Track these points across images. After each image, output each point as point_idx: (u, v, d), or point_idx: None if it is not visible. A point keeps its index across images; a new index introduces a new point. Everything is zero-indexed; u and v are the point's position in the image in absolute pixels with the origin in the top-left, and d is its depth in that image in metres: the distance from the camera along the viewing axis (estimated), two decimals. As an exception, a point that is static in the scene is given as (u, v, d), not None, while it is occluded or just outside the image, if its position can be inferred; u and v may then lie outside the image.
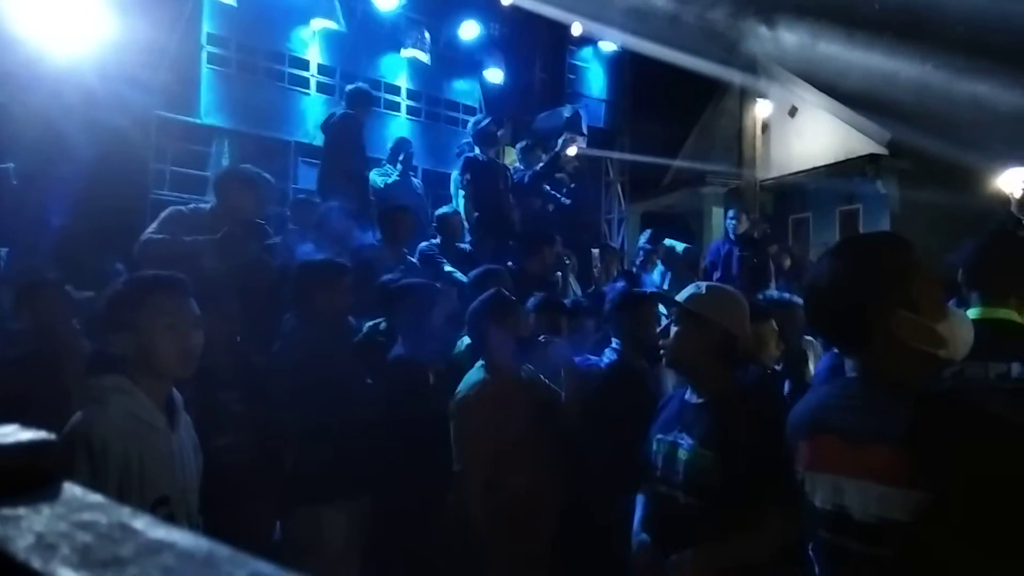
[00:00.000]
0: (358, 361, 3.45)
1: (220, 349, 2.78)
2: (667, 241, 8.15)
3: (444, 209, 6.15)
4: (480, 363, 3.18)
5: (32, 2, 6.36)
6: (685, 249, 8.23)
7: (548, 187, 7.18)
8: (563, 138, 7.24)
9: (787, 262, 9.74)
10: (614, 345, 3.61)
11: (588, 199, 11.61)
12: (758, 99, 14.17)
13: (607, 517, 2.80)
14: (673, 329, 2.38)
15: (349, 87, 6.76)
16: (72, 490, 0.43)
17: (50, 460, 0.46)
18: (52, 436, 0.47)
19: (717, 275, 7.82)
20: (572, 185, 7.46)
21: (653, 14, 10.13)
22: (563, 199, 7.22)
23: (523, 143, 7.85)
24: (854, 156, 12.49)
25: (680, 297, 2.40)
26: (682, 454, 2.26)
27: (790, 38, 11.37)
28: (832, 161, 12.94)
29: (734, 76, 13.58)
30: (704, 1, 9.77)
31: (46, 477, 0.44)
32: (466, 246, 6.10)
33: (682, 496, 2.23)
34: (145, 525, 0.36)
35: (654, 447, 2.41)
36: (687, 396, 2.41)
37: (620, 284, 5.49)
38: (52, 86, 6.48)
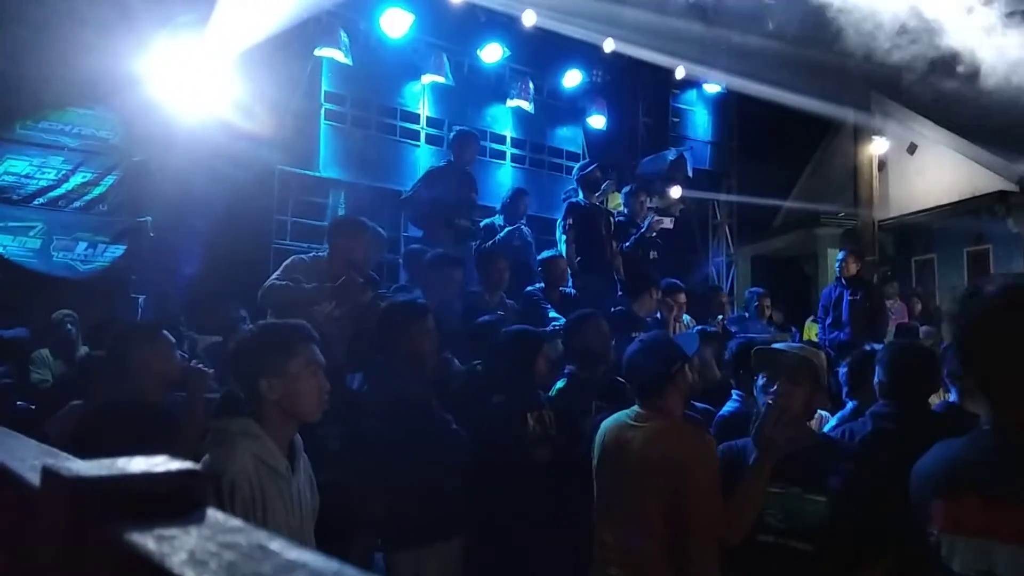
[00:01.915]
0: (445, 403, 3.41)
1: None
2: None
3: (548, 253, 6.21)
4: (632, 410, 2.80)
5: (167, 68, 6.95)
6: None
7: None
8: (649, 219, 7.13)
9: (917, 307, 9.25)
10: (735, 397, 3.54)
11: (693, 243, 11.46)
12: (873, 137, 13.66)
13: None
14: (787, 384, 2.41)
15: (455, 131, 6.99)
16: (215, 515, 0.47)
17: (196, 488, 0.51)
18: (198, 466, 0.52)
19: (828, 320, 7.52)
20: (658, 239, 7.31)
21: (758, 54, 10.02)
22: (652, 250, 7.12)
23: (627, 188, 7.85)
24: (981, 194, 11.79)
25: (795, 350, 2.44)
26: (788, 502, 2.25)
27: (905, 73, 10.95)
28: (957, 199, 12.26)
29: (847, 114, 13.18)
30: (812, 38, 9.58)
31: (193, 503, 0.50)
32: (570, 290, 6.13)
33: (795, 543, 2.23)
34: (280, 547, 0.40)
35: None
36: None
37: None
38: (185, 144, 7.04)
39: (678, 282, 6.31)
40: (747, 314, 7.48)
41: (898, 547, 1.99)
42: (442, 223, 6.26)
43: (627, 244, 7.01)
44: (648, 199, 7.63)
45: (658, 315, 5.80)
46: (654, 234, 7.10)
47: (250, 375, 2.16)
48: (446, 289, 4.81)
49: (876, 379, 3.06)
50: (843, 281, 7.53)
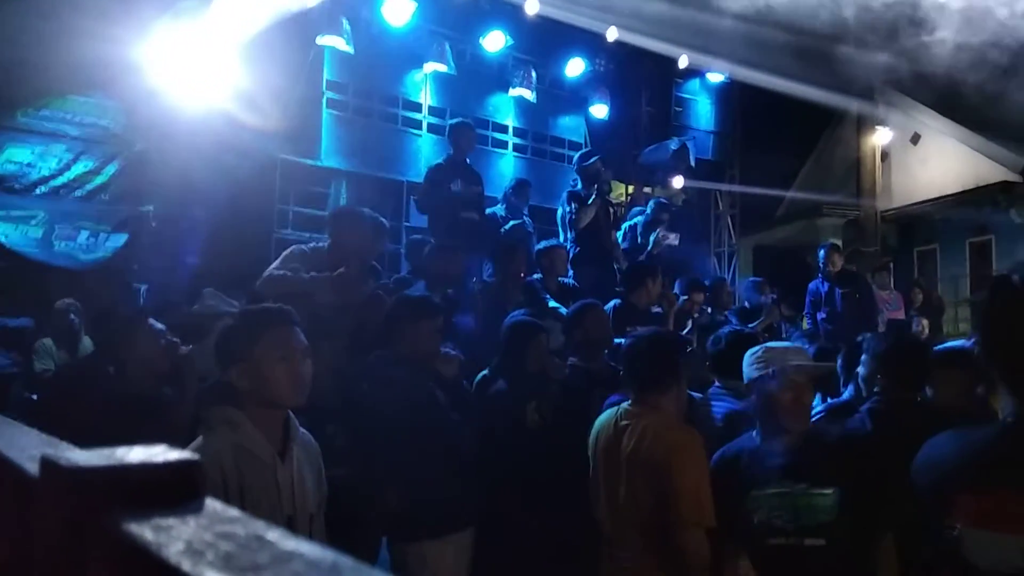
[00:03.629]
0: (445, 397, 3.38)
1: (328, 383, 2.86)
2: None
3: (547, 243, 6.18)
4: (623, 407, 2.76)
5: (168, 55, 6.92)
6: None
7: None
8: (655, 235, 7.05)
9: (918, 297, 9.20)
10: (717, 385, 3.49)
11: (695, 234, 11.44)
12: (877, 127, 13.62)
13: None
14: (799, 389, 2.46)
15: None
16: (213, 505, 0.48)
17: (193, 478, 0.51)
18: (196, 456, 0.52)
19: (821, 315, 7.50)
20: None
21: (762, 43, 9.96)
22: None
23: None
24: (984, 184, 11.78)
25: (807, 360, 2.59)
26: (796, 500, 2.26)
27: (910, 62, 10.89)
28: (960, 190, 12.25)
29: (850, 104, 13.12)
30: (815, 27, 9.52)
31: (190, 493, 0.50)
32: (569, 280, 6.11)
33: (807, 540, 2.25)
34: (277, 537, 0.40)
35: (750, 505, 2.38)
36: (761, 446, 2.46)
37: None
38: (186, 133, 7.02)
39: (702, 280, 6.28)
40: (748, 304, 7.47)
41: (906, 523, 2.04)
42: (449, 218, 6.24)
43: (642, 258, 6.87)
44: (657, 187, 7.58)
45: (658, 309, 5.61)
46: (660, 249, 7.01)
47: (224, 364, 2.17)
48: (447, 276, 4.81)
49: (865, 371, 3.06)
50: (831, 277, 7.51)
